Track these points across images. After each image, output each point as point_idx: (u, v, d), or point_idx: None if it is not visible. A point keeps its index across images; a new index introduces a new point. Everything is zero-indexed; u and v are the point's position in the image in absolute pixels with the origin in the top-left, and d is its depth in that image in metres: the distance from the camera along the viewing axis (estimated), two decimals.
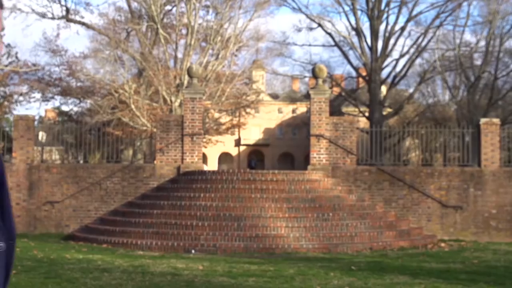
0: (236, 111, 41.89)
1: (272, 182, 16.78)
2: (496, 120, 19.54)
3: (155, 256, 13.46)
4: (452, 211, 18.70)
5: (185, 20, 32.99)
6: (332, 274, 10.68)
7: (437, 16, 39.74)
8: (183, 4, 32.85)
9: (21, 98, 40.32)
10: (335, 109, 42.70)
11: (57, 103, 43.95)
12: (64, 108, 43.91)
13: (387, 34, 39.44)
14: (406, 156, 41.17)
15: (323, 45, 44.43)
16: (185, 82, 28.81)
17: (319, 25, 41.31)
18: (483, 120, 19.46)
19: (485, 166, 18.86)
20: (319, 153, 18.60)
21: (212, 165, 69.39)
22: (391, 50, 39.94)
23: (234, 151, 77.63)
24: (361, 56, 39.73)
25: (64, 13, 38.18)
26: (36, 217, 18.80)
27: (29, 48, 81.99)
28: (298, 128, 69.84)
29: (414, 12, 40.93)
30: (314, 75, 19.12)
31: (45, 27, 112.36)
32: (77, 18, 38.81)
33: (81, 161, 26.92)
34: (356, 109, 44.11)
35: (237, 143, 77.19)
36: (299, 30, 43.90)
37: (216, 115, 37.28)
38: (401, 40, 48.81)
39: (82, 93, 37.99)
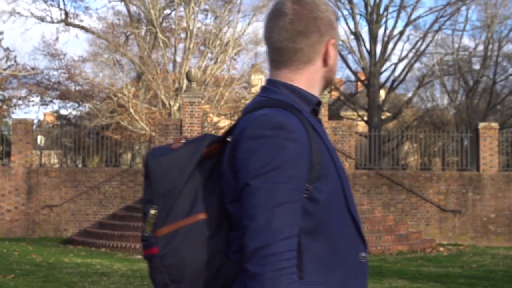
0: (235, 115, 41.88)
1: None
2: (495, 124, 19.55)
3: None
4: (451, 215, 18.71)
5: (184, 24, 33.04)
6: None
7: (435, 21, 39.82)
8: (182, 8, 32.90)
9: (19, 102, 40.36)
10: (333, 113, 42.73)
11: (55, 107, 44.00)
12: (63, 111, 43.93)
13: (386, 38, 39.50)
14: (405, 160, 41.19)
15: None
16: (184, 86, 28.83)
17: None
18: (481, 124, 19.48)
19: (483, 171, 18.87)
20: None
21: None
22: (390, 54, 39.99)
23: None
24: (360, 60, 39.78)
25: (63, 17, 38.22)
26: (35, 221, 18.78)
27: (28, 52, 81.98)
28: None
29: (413, 17, 41.01)
30: None
31: (44, 30, 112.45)
32: (76, 22, 38.87)
33: (80, 165, 26.92)
34: (355, 113, 44.14)
35: None
36: None
37: (215, 119, 37.29)
38: (399, 45, 48.75)
39: (81, 97, 38.02)
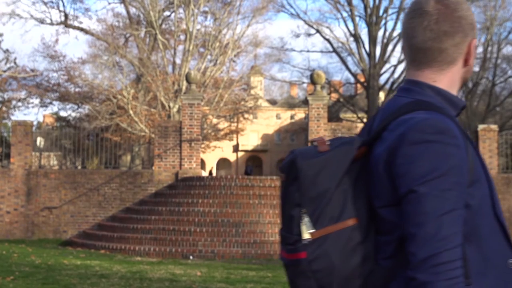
0: (234, 117, 41.93)
1: (270, 188, 16.77)
2: (494, 127, 19.57)
3: (153, 262, 13.45)
4: None
5: (183, 26, 33.06)
6: None
7: None
8: (181, 10, 32.94)
9: (19, 103, 40.39)
10: (333, 115, 42.77)
11: (55, 109, 44.18)
12: (62, 113, 44.01)
13: (385, 40, 39.56)
14: None
15: (321, 51, 44.52)
16: (183, 88, 28.85)
17: (317, 31, 41.43)
18: (481, 127, 19.49)
19: None
20: None
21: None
22: (389, 56, 40.04)
23: (232, 157, 77.66)
24: (359, 62, 39.82)
25: (62, 18, 38.25)
26: (34, 222, 18.78)
27: (27, 54, 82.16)
28: (296, 134, 69.83)
29: None
30: (312, 81, 19.14)
31: (43, 32, 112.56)
32: (76, 23, 38.91)
33: (79, 167, 26.91)
34: (354, 115, 44.17)
35: (235, 148, 77.25)
36: (297, 36, 44.05)
37: (214, 120, 37.32)
38: (399, 47, 48.44)
39: (80, 99, 38.05)
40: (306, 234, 1.72)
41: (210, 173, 55.94)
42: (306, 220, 1.73)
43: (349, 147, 1.78)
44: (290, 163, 1.77)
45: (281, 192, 1.81)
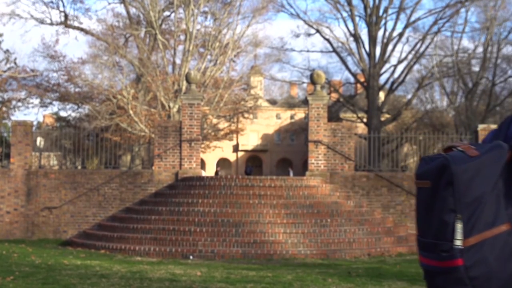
0: (234, 117, 41.92)
1: (270, 188, 16.78)
2: (494, 126, 19.55)
3: (153, 262, 13.45)
4: None
5: (183, 26, 33.06)
6: (330, 280, 10.67)
7: (435, 23, 39.88)
8: (181, 10, 32.93)
9: (19, 103, 40.36)
10: (333, 115, 42.75)
11: (55, 109, 44.12)
12: (62, 113, 43.99)
13: (385, 40, 39.56)
14: (404, 162, 41.23)
15: (321, 51, 44.55)
16: (183, 88, 28.85)
17: (317, 31, 41.44)
18: (481, 126, 19.49)
19: None
20: (317, 159, 18.61)
21: (210, 170, 69.39)
22: (389, 56, 40.05)
23: (232, 157, 77.62)
24: (359, 62, 39.82)
25: (62, 19, 38.25)
26: (34, 222, 18.78)
27: (27, 54, 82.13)
28: (296, 134, 69.81)
29: (412, 19, 41.10)
30: (312, 81, 19.14)
31: (43, 33, 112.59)
32: (76, 24, 38.90)
33: (79, 167, 26.90)
34: (354, 115, 44.18)
35: (235, 148, 77.20)
36: (297, 36, 44.08)
37: (214, 120, 37.32)
38: (399, 46, 48.61)
39: (80, 99, 38.05)
40: (463, 240, 1.70)
41: (217, 173, 56.02)
42: (461, 225, 1.71)
43: (502, 150, 1.76)
44: (441, 168, 1.74)
45: (424, 198, 1.78)
